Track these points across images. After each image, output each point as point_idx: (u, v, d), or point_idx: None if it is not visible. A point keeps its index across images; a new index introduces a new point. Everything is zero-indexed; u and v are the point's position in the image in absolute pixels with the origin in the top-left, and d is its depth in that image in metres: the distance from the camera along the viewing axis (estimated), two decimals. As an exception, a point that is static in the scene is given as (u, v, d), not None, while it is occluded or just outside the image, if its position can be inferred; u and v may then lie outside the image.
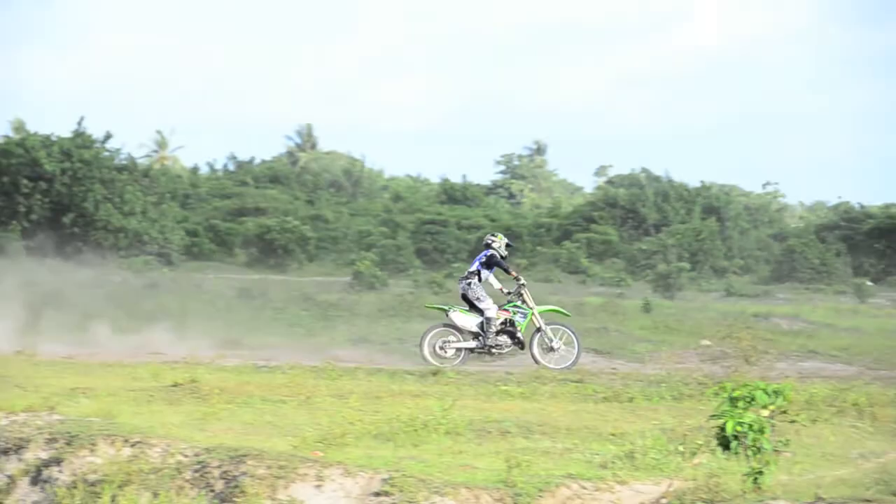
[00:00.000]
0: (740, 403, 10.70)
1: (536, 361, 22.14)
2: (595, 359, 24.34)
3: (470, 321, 22.34)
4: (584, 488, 10.94)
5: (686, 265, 67.75)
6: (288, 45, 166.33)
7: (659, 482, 10.94)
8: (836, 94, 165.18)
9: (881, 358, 26.45)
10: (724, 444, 10.66)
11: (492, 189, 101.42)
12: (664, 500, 10.57)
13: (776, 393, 10.75)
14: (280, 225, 67.18)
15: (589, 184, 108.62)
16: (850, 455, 12.87)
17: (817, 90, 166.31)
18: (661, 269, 61.76)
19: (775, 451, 10.59)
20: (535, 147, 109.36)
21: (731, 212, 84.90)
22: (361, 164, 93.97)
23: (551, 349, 22.26)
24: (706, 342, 25.58)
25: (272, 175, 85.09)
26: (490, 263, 22.56)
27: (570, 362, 22.08)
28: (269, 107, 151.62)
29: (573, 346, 22.32)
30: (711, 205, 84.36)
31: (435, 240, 73.94)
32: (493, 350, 22.32)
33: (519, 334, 22.32)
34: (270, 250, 66.55)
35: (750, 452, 10.51)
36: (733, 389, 10.83)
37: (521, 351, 22.49)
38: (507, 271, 22.53)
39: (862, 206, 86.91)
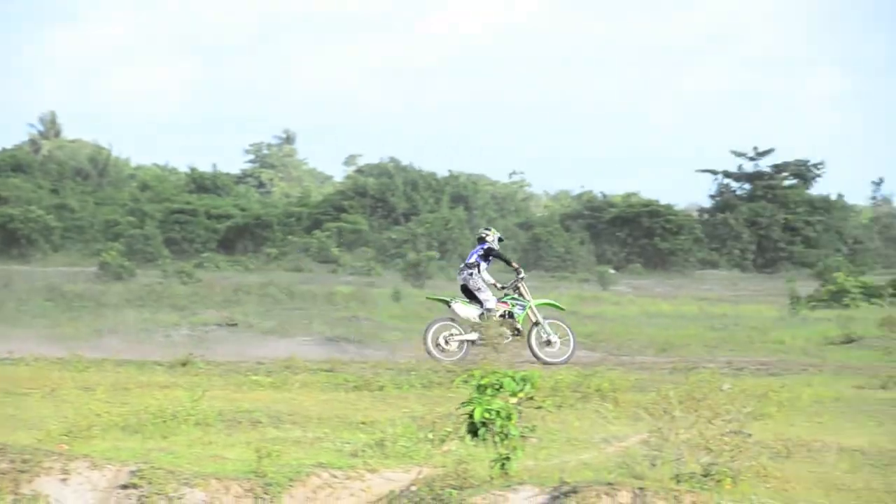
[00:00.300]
0: (488, 391, 10.85)
1: (535, 355, 22.38)
2: (346, 347, 24.39)
3: (472, 312, 22.45)
4: (335, 477, 10.97)
5: (435, 254, 68.37)
6: (30, 30, 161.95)
7: (409, 469, 11.04)
8: (577, 84, 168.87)
9: (623, 344, 27.14)
10: (473, 431, 10.81)
11: (241, 178, 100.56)
12: (414, 488, 10.67)
13: (523, 380, 10.94)
14: (23, 214, 65.49)
15: (339, 173, 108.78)
16: (593, 439, 13.18)
17: (557, 81, 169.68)
18: (411, 258, 62.22)
19: (522, 436, 10.78)
20: (284, 136, 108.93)
21: (479, 201, 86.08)
22: (108, 152, 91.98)
23: (548, 343, 22.54)
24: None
25: (14, 163, 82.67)
26: (488, 255, 22.85)
27: (566, 356, 22.35)
28: (9, 94, 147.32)
29: (569, 340, 22.61)
30: (459, 194, 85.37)
31: (184, 229, 73.04)
32: (494, 340, 22.26)
33: (519, 325, 22.52)
34: (13, 240, 64.83)
35: (498, 439, 10.68)
36: (481, 377, 10.98)
37: (521, 341, 22.60)
38: (507, 262, 22.96)
39: (604, 196, 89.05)
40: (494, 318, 22.34)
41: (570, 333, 22.67)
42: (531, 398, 10.99)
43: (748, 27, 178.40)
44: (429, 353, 22.07)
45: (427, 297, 25.53)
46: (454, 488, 10.39)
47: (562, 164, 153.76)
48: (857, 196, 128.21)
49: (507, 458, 10.56)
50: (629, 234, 79.51)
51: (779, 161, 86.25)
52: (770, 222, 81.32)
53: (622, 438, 12.78)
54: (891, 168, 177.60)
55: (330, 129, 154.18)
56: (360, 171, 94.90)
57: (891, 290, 45.87)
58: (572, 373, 18.07)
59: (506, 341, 22.15)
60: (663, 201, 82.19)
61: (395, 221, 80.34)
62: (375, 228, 78.09)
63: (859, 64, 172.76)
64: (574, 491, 10.07)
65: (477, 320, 22.37)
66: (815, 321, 34.27)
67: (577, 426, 14.35)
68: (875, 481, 11.22)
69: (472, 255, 22.96)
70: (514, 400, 10.84)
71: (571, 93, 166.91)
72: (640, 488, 10.04)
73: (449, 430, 12.19)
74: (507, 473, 10.53)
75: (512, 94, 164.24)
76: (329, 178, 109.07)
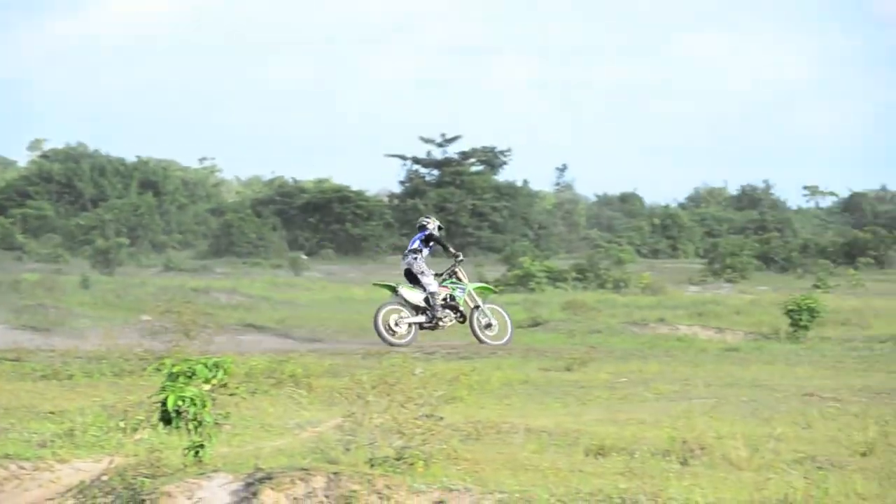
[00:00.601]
0: (181, 378, 10.77)
1: (477, 337, 23.13)
2: (32, 336, 23.73)
3: (417, 296, 23.14)
4: (22, 468, 10.70)
5: (125, 240, 67.31)
6: None
7: (100, 459, 10.85)
8: (267, 69, 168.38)
9: (316, 330, 27.23)
10: (166, 419, 10.71)
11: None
12: (105, 477, 10.50)
13: (216, 367, 10.89)
14: None
15: (23, 158, 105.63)
16: (287, 425, 13.20)
17: (248, 65, 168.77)
18: (100, 245, 61.10)
19: (216, 423, 10.73)
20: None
21: (170, 186, 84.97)
22: None
23: (489, 325, 23.30)
24: (146, 317, 25.47)
25: None
26: (429, 240, 23.53)
27: (506, 337, 23.26)
28: None
29: (506, 322, 23.48)
30: (149, 179, 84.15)
31: None
32: (440, 323, 23.13)
33: (461, 308, 23.28)
34: None
35: (191, 426, 10.60)
36: (174, 364, 10.89)
37: (462, 324, 23.37)
38: (446, 248, 23.65)
39: (296, 181, 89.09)
40: (438, 302, 23.09)
41: (506, 317, 23.63)
42: (225, 385, 10.95)
43: (435, 14, 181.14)
44: (380, 336, 22.66)
45: (374, 284, 26.15)
46: (147, 477, 10.27)
47: (254, 149, 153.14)
48: (542, 182, 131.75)
49: (201, 446, 10.50)
50: (321, 220, 79.79)
51: (466, 148, 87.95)
52: (458, 208, 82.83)
53: (316, 424, 12.85)
54: (573, 155, 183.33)
55: (13, 113, 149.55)
56: (45, 156, 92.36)
57: (574, 274, 47.38)
58: (266, 359, 18.05)
59: (449, 323, 23.25)
60: (355, 187, 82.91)
61: (83, 207, 78.64)
62: (62, 214, 76.30)
63: (544, 51, 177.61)
64: (268, 477, 10.08)
65: (422, 304, 23.07)
66: (502, 305, 35.01)
67: (272, 412, 14.36)
68: (560, 461, 11.56)
69: (415, 240, 23.68)
70: (207, 387, 10.78)
71: (261, 77, 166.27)
72: (335, 473, 10.11)
73: (141, 418, 12.04)
74: (200, 461, 10.46)
75: (202, 78, 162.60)
76: (13, 163, 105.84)
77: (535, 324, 28.40)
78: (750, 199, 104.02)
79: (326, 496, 9.98)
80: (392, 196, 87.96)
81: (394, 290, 23.46)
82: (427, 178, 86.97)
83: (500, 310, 23.75)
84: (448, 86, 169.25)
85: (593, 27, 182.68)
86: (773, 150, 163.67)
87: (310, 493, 10.00)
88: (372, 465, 10.44)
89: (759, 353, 22.95)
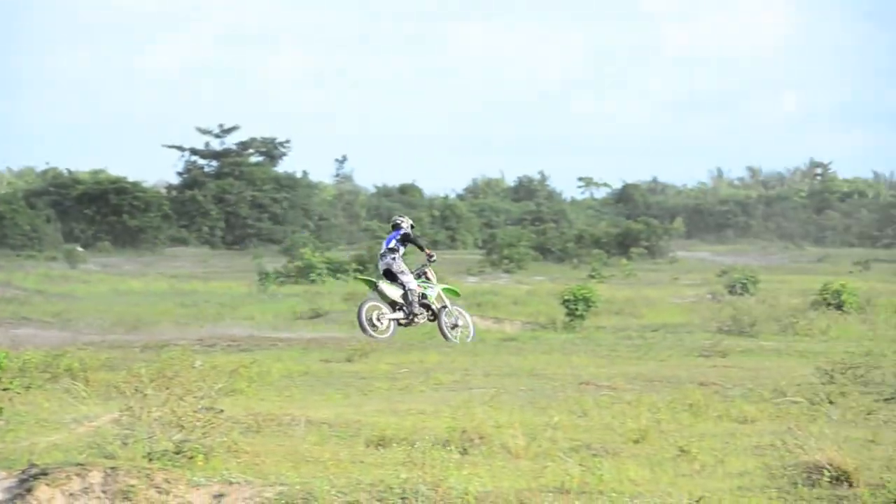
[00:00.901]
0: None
1: (445, 336, 23.44)
2: None
3: (395, 292, 23.44)
4: None
5: None
6: None
7: None
8: (36, 60, 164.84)
9: (93, 323, 26.81)
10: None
11: None
12: None
13: (-11, 362, 10.68)
14: None
15: None
16: (64, 420, 12.98)
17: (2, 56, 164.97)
18: None
19: (-11, 420, 10.54)
20: None
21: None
22: None
23: (455, 325, 23.70)
24: None
25: None
26: (405, 240, 23.77)
27: (470, 337, 23.62)
28: None
29: (469, 324, 23.91)
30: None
31: None
32: (416, 320, 23.51)
33: (433, 306, 23.64)
34: None
35: (-37, 422, 10.39)
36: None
37: (433, 322, 23.72)
38: (421, 248, 24.01)
39: (70, 172, 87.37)
40: (416, 299, 23.39)
41: (468, 319, 24.08)
42: (-2, 380, 10.74)
43: (213, 5, 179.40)
44: (363, 329, 22.97)
45: (355, 279, 26.34)
46: None
47: (26, 140, 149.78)
48: (322, 174, 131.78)
49: (-26, 443, 10.28)
50: (97, 212, 78.44)
51: (245, 138, 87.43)
52: (238, 199, 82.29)
53: (93, 418, 12.66)
54: (352, 146, 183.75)
55: None
56: None
57: (354, 266, 47.44)
58: (41, 353, 17.69)
59: (423, 321, 23.60)
60: (132, 178, 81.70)
61: None
62: None
63: (323, 42, 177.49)
64: (43, 473, 9.91)
65: (400, 300, 23.36)
66: (283, 297, 34.97)
67: (47, 407, 14.09)
68: (341, 452, 11.61)
69: (391, 240, 23.87)
70: (-20, 383, 10.57)
71: (34, 67, 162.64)
72: (112, 468, 9.99)
73: None
74: (-27, 459, 10.24)
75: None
76: None
77: (317, 315, 28.40)
78: (526, 190, 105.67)
79: (104, 491, 9.86)
80: (170, 187, 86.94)
81: (374, 285, 23.71)
82: (206, 169, 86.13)
83: (463, 312, 24.19)
84: (226, 76, 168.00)
85: (373, 18, 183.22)
86: (548, 142, 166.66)
87: (86, 488, 9.87)
88: (150, 460, 10.34)
89: (536, 342, 23.34)
